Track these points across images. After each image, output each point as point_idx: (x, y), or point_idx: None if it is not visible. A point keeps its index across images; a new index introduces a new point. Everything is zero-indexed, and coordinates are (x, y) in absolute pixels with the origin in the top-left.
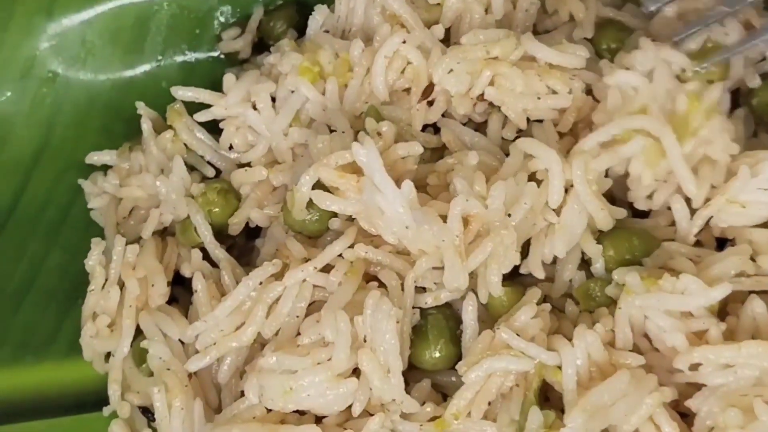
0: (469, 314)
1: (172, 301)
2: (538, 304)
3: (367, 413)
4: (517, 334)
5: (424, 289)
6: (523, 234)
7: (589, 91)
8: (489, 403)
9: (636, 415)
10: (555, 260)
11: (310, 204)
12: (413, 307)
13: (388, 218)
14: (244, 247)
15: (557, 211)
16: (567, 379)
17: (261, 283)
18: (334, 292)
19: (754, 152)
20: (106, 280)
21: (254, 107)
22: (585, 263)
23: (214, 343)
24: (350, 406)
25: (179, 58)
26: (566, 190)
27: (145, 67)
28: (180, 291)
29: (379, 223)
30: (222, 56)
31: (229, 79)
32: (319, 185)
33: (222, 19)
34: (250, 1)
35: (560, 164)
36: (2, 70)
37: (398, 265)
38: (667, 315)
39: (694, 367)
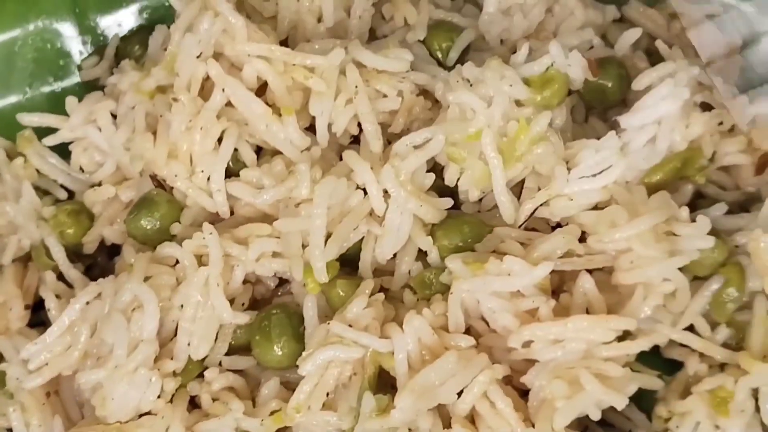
0: (310, 311)
1: (39, 324)
2: (372, 294)
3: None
4: (350, 325)
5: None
6: (343, 234)
7: (425, 91)
8: (328, 394)
9: (470, 393)
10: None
11: (150, 211)
12: (255, 310)
13: None
14: (106, 265)
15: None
16: (398, 364)
17: (88, 303)
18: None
19: (577, 142)
20: None
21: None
22: (423, 253)
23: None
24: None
25: (46, 89)
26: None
27: (13, 99)
28: None
29: None
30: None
31: (71, 101)
32: None
33: (83, 49)
34: (108, 30)
35: (373, 176)
36: None
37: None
38: (496, 296)
39: (527, 344)
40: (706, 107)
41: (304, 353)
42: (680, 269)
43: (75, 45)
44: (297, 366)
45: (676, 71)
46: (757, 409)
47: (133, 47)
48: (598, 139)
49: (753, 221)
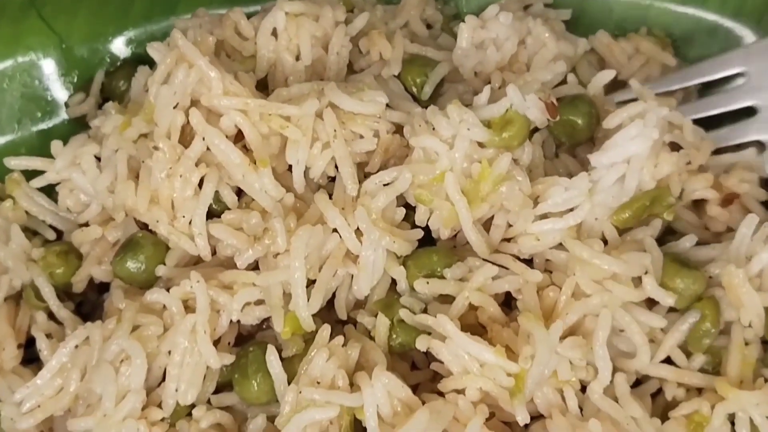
0: (275, 368)
1: (34, 360)
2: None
3: None
4: (319, 382)
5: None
6: (325, 282)
7: (401, 128)
8: None
9: None
10: None
11: (136, 253)
12: (236, 346)
13: None
14: (96, 301)
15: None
16: (369, 419)
17: (77, 346)
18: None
19: (548, 178)
20: None
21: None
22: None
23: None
24: None
25: (35, 127)
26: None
27: (2, 139)
28: None
29: None
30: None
31: (55, 145)
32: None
33: (70, 84)
34: (94, 65)
35: (343, 221)
36: None
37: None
38: None
39: None
40: (675, 147)
41: (278, 419)
42: None
43: (62, 80)
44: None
45: (645, 111)
46: None
47: (119, 82)
48: (569, 174)
49: (724, 251)
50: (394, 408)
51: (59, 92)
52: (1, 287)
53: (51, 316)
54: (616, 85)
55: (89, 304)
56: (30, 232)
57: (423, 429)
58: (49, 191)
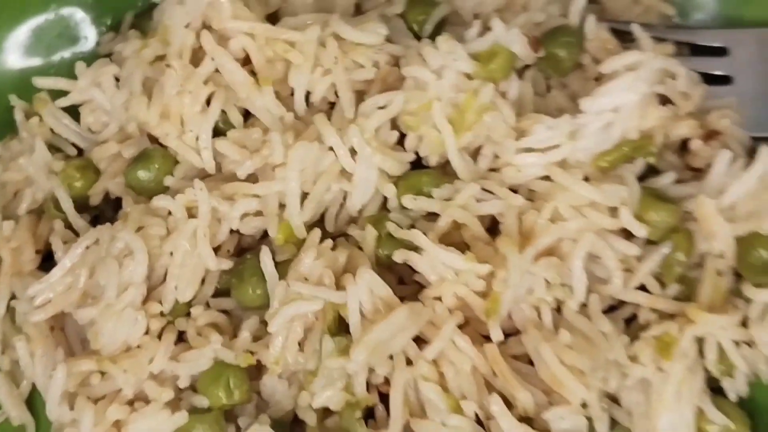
0: (268, 266)
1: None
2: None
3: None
4: (306, 278)
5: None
6: (318, 195)
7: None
8: (299, 343)
9: (440, 338)
10: None
11: (147, 164)
12: (234, 256)
13: None
14: (111, 217)
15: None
16: (351, 314)
17: (88, 247)
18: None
19: (533, 115)
20: None
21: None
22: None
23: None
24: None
25: (67, 60)
26: None
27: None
28: None
29: None
30: None
31: (80, 66)
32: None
33: (102, 27)
34: (125, 8)
35: (338, 138)
36: None
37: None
38: None
39: None
40: (664, 98)
41: (269, 310)
42: None
43: (96, 22)
44: None
45: (640, 63)
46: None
47: (147, 22)
48: (560, 111)
49: (701, 188)
50: (376, 306)
51: (92, 33)
52: (24, 200)
53: (68, 227)
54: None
55: (104, 219)
56: (53, 149)
57: (401, 326)
58: (74, 115)
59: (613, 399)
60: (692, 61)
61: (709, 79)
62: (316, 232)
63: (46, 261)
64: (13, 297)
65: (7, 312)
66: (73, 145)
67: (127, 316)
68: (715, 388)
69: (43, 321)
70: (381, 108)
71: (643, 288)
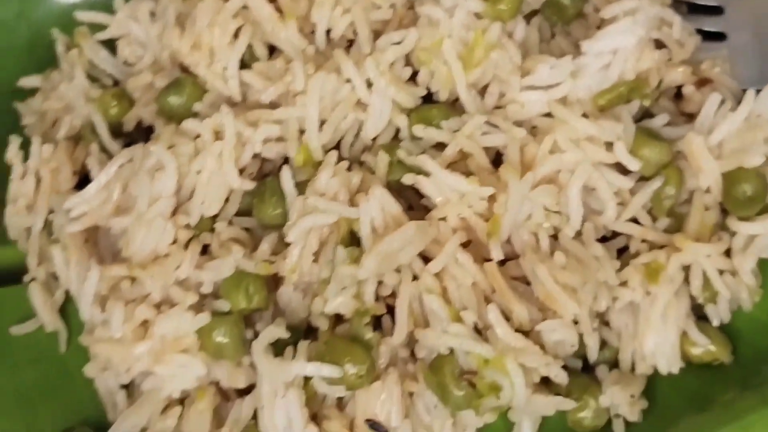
0: (288, 183)
1: None
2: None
3: None
4: (323, 194)
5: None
6: (336, 121)
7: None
8: (314, 254)
9: (443, 254)
10: None
11: (178, 90)
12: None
13: None
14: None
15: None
16: (363, 227)
17: (122, 165)
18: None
19: (537, 56)
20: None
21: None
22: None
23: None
24: None
25: None
26: None
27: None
28: None
29: None
30: None
31: (118, 1)
32: None
33: None
34: None
35: (356, 70)
36: None
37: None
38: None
39: None
40: (660, 44)
41: (288, 222)
42: None
43: None
44: None
45: (638, 9)
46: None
47: None
48: (563, 54)
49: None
50: (386, 222)
51: None
52: (63, 125)
53: (103, 151)
54: None
55: None
56: (91, 80)
57: (408, 239)
58: (110, 51)
59: (604, 322)
60: (689, 18)
61: (705, 37)
62: (333, 154)
63: (83, 184)
64: (51, 213)
65: (44, 228)
66: (110, 77)
67: (157, 225)
68: (699, 317)
69: (78, 232)
70: (396, 44)
71: (635, 221)
